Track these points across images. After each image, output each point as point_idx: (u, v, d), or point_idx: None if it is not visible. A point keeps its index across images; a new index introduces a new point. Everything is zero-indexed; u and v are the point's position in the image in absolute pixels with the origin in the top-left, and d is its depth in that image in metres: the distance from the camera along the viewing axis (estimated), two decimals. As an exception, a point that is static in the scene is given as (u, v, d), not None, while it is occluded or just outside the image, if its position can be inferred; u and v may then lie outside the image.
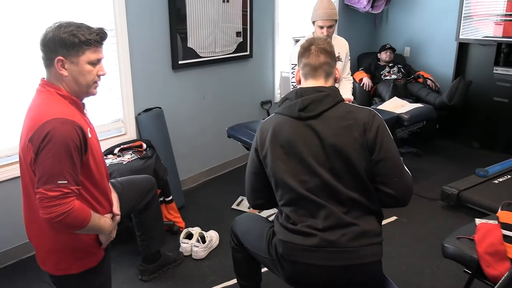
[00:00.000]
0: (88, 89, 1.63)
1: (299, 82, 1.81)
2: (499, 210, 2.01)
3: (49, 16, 2.58)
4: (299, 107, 1.65)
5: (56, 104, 1.56)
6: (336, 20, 3.12)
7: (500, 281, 1.36)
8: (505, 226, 1.86)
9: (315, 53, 1.71)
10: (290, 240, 1.62)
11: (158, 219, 2.50)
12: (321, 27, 3.10)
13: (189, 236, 2.81)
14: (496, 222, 1.96)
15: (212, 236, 2.84)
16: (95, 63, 1.60)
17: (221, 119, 3.81)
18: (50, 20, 2.48)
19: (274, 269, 1.77)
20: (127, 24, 2.95)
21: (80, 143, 1.52)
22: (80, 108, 1.66)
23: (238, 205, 3.36)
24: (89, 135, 1.62)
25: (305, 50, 1.74)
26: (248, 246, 1.90)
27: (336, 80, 1.79)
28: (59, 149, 1.46)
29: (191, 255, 2.72)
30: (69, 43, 1.52)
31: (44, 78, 1.62)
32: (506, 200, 2.28)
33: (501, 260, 1.74)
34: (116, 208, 1.86)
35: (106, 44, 1.67)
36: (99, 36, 1.57)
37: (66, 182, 1.47)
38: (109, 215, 1.76)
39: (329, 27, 3.09)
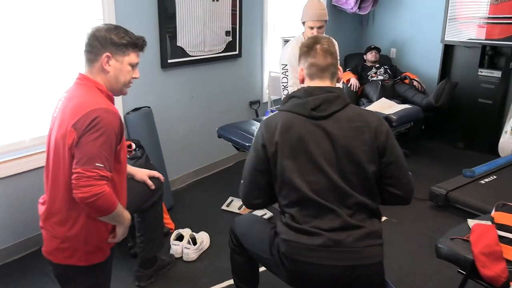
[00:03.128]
0: (123, 87, 1.79)
1: (303, 81, 1.78)
2: (494, 211, 2.03)
3: (38, 12, 2.52)
4: (311, 106, 1.63)
5: (97, 95, 1.69)
6: (326, 21, 3.12)
7: None
8: (501, 227, 1.88)
9: (322, 54, 1.70)
10: (294, 239, 1.60)
11: (159, 222, 2.48)
12: (311, 28, 3.10)
13: (180, 237, 2.77)
14: (489, 222, 1.98)
15: (203, 237, 2.81)
16: (134, 66, 1.78)
17: (210, 119, 3.78)
18: (39, 15, 2.47)
19: (276, 269, 1.75)
20: (116, 21, 2.89)
21: (119, 132, 1.66)
22: (113, 103, 1.77)
23: (228, 206, 3.33)
24: None
25: (310, 49, 1.72)
26: (249, 247, 1.87)
27: (338, 80, 1.79)
28: (101, 135, 1.57)
29: (181, 257, 2.68)
30: (119, 43, 1.70)
31: (82, 73, 1.75)
32: (492, 199, 2.32)
33: (496, 260, 1.76)
34: (156, 173, 2.28)
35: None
36: (144, 43, 1.78)
37: (102, 166, 1.57)
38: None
39: (319, 27, 3.10)
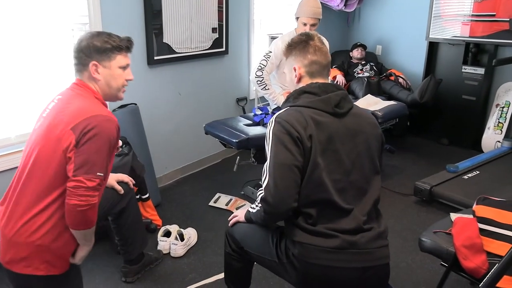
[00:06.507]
0: (118, 92, 1.77)
1: (299, 80, 1.72)
2: (475, 205, 2.07)
3: (23, 11, 2.50)
4: (334, 103, 1.59)
5: (96, 103, 1.69)
6: (319, 19, 3.15)
7: (487, 277, 1.40)
8: (481, 220, 1.92)
9: (321, 51, 1.68)
10: (309, 241, 1.55)
11: (136, 225, 2.41)
12: (305, 24, 3.12)
13: (167, 234, 2.78)
14: (471, 216, 2.02)
15: (190, 233, 2.82)
16: (125, 67, 1.75)
17: (197, 116, 3.79)
18: (24, 14, 2.45)
19: (283, 272, 1.68)
20: (101, 18, 2.88)
21: (116, 142, 1.66)
22: None
23: (215, 202, 3.34)
24: None
25: (306, 46, 1.68)
26: (250, 250, 1.80)
27: None
28: (103, 143, 1.57)
29: (169, 253, 2.69)
30: (102, 49, 1.67)
31: (80, 79, 1.73)
32: (475, 194, 2.37)
33: (477, 252, 1.79)
34: (125, 177, 2.25)
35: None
36: (129, 43, 1.75)
37: (102, 175, 1.57)
38: None
39: (312, 25, 3.12)
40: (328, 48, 3.34)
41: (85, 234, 1.65)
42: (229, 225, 1.91)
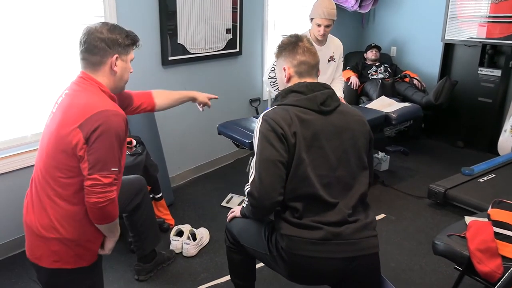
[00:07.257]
0: (125, 84, 1.81)
1: (289, 80, 1.75)
2: (490, 208, 2.04)
3: (39, 9, 2.54)
4: (320, 101, 1.64)
5: (102, 97, 1.67)
6: (334, 21, 3.13)
7: (500, 281, 1.38)
8: (497, 223, 1.90)
9: (310, 52, 1.72)
10: (295, 234, 1.60)
11: (150, 220, 2.45)
12: (319, 25, 3.10)
13: (180, 233, 2.80)
14: (486, 219, 1.99)
15: (203, 233, 2.83)
16: (131, 60, 1.79)
17: (210, 116, 3.79)
18: (41, 12, 2.49)
19: (274, 265, 1.75)
20: (117, 19, 2.91)
21: (126, 134, 1.66)
22: (117, 103, 1.76)
23: (227, 202, 3.35)
24: None
25: (295, 47, 1.72)
26: (245, 244, 1.87)
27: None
28: (113, 139, 1.57)
29: (181, 252, 2.71)
30: (124, 43, 1.70)
31: (85, 72, 1.71)
32: (490, 197, 2.34)
33: (492, 257, 1.77)
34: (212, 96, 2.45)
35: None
36: (137, 38, 1.78)
37: (117, 169, 1.59)
38: None
39: (327, 26, 3.10)
40: (342, 49, 3.37)
41: (109, 227, 1.68)
42: (227, 220, 1.98)
